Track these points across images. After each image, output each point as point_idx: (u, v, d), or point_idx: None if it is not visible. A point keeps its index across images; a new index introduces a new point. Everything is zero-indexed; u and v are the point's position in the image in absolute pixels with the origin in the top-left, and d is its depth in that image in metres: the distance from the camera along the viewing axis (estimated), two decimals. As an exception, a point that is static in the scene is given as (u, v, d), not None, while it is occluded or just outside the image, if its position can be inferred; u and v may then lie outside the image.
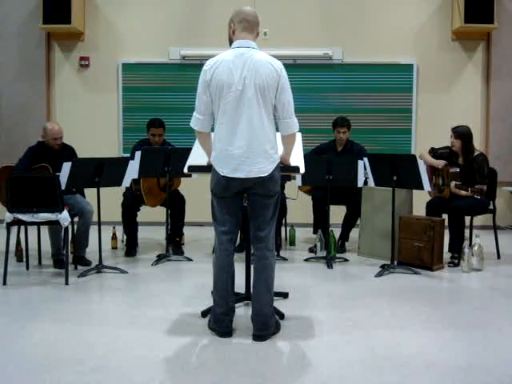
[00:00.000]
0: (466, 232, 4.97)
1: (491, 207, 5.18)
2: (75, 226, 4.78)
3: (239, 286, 3.54)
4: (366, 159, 4.86)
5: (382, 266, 4.70)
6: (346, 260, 5.09)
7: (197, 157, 3.39)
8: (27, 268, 4.70)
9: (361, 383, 2.57)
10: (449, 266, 4.82)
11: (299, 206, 5.90)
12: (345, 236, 5.56)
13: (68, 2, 6.53)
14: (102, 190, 4.53)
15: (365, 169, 4.90)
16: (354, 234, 5.56)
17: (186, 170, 3.43)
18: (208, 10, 6.90)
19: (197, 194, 5.57)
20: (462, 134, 4.99)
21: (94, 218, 4.65)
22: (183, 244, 5.59)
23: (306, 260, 5.09)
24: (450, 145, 5.11)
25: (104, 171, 4.45)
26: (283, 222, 5.77)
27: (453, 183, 4.84)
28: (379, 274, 4.52)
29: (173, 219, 5.22)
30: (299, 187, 5.57)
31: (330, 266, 4.83)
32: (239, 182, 3.01)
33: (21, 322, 3.37)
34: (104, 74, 7.00)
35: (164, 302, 3.80)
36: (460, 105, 6.90)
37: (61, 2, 6.53)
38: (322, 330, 3.24)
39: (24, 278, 4.47)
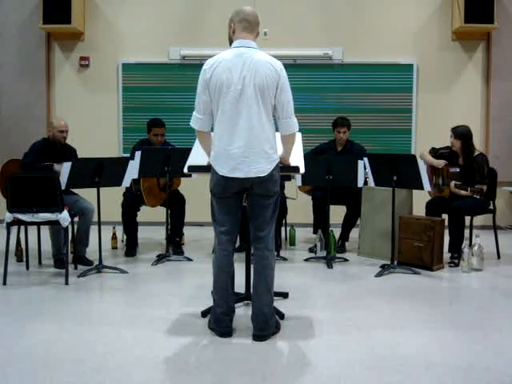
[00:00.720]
0: (466, 232, 4.97)
1: (491, 207, 5.18)
2: (75, 226, 4.78)
3: (239, 285, 3.55)
4: (365, 159, 4.86)
5: (382, 266, 4.70)
6: (346, 260, 5.09)
7: (197, 157, 3.38)
8: (27, 268, 4.70)
9: (361, 383, 2.57)
10: (449, 266, 4.82)
11: (299, 206, 5.90)
12: (345, 236, 5.56)
13: (68, 2, 6.53)
14: (102, 189, 4.53)
15: (365, 169, 4.90)
16: (354, 233, 5.56)
17: (185, 170, 3.42)
18: (208, 10, 6.90)
19: (197, 194, 5.57)
20: (462, 134, 4.99)
21: (94, 218, 4.65)
22: (183, 244, 5.59)
23: (306, 260, 5.09)
24: (450, 145, 5.11)
25: (104, 171, 4.45)
26: (283, 222, 5.77)
27: (452, 183, 4.84)
28: (379, 274, 4.52)
29: (173, 219, 5.22)
30: (299, 187, 5.57)
31: (330, 265, 4.83)
32: (238, 182, 3.01)
33: (21, 321, 3.36)
34: (104, 74, 7.00)
35: (164, 302, 3.80)
36: (460, 105, 6.90)
37: (61, 2, 6.54)
38: (322, 330, 3.24)
39: (24, 277, 4.47)
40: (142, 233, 5.58)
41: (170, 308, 3.63)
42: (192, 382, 2.58)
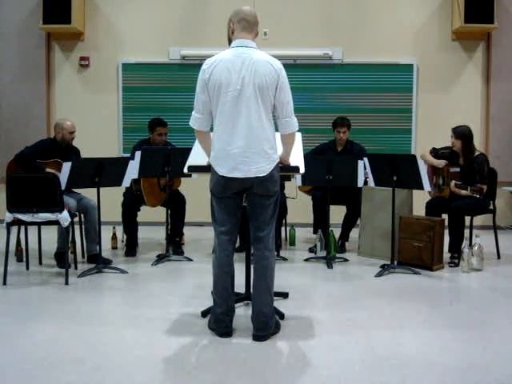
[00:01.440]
0: (466, 232, 4.96)
1: (491, 207, 5.18)
2: (75, 226, 4.78)
3: (239, 285, 3.54)
4: (365, 159, 4.86)
5: (382, 266, 4.69)
6: (346, 260, 5.09)
7: (197, 157, 3.39)
8: (27, 268, 4.70)
9: (361, 383, 2.57)
10: (449, 266, 4.82)
11: (299, 205, 5.90)
12: (345, 236, 5.56)
13: (68, 2, 6.53)
14: (102, 189, 4.53)
15: (365, 169, 4.90)
16: (354, 233, 5.56)
17: (185, 170, 3.42)
18: (208, 10, 6.90)
19: (197, 194, 5.57)
20: (463, 135, 4.99)
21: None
22: (183, 244, 5.59)
23: (306, 260, 5.09)
24: (450, 145, 5.11)
25: (104, 171, 4.45)
26: (283, 222, 5.77)
27: (452, 182, 4.84)
28: (379, 274, 4.52)
29: (173, 219, 5.22)
30: (299, 187, 5.57)
31: (330, 266, 4.83)
32: (238, 182, 3.01)
33: (21, 321, 3.36)
34: (104, 74, 7.00)
35: (164, 301, 3.80)
36: (460, 105, 6.90)
37: (61, 2, 6.54)
38: (322, 330, 3.24)
39: (24, 277, 4.47)
40: (142, 233, 5.58)
41: (170, 308, 3.62)
42: (192, 382, 2.58)
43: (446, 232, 4.85)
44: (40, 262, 4.88)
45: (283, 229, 5.89)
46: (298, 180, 5.13)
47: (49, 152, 4.81)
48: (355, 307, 3.71)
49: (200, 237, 6.18)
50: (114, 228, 5.56)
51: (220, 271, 3.13)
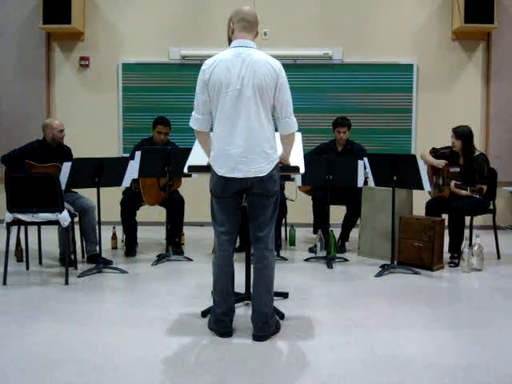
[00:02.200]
0: (466, 232, 4.96)
1: (491, 207, 5.18)
2: (75, 226, 4.78)
3: (239, 285, 3.54)
4: (365, 159, 4.86)
5: (382, 266, 4.69)
6: (346, 260, 5.09)
7: (197, 157, 3.39)
8: (27, 268, 4.70)
9: (361, 383, 2.57)
10: (449, 266, 4.82)
11: (299, 206, 5.90)
12: (345, 236, 5.56)
13: (68, 2, 6.54)
14: (102, 190, 4.53)
15: (365, 169, 4.90)
16: (354, 233, 5.56)
17: (185, 170, 3.43)
18: (208, 10, 6.90)
19: (197, 194, 5.57)
20: (463, 135, 4.99)
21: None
22: (183, 244, 5.59)
23: (306, 260, 5.09)
24: (450, 145, 5.11)
25: (104, 171, 4.45)
26: (283, 222, 5.77)
27: (452, 182, 4.84)
28: (379, 274, 4.52)
29: (172, 219, 5.22)
30: (299, 187, 5.57)
31: (330, 265, 4.83)
32: (238, 182, 3.01)
33: (21, 321, 3.36)
34: (104, 74, 7.00)
35: (164, 301, 3.79)
36: (460, 105, 6.90)
37: (61, 2, 6.54)
38: (322, 329, 3.24)
39: (24, 277, 4.47)
40: (142, 233, 5.58)
41: (170, 308, 3.62)
42: (192, 382, 2.58)
43: (446, 232, 4.85)
44: (40, 262, 4.88)
45: (283, 229, 5.89)
46: (298, 180, 5.13)
47: (39, 154, 4.76)
48: (355, 307, 3.71)
49: (200, 237, 6.18)
50: (114, 228, 5.56)
51: (220, 271, 3.13)
